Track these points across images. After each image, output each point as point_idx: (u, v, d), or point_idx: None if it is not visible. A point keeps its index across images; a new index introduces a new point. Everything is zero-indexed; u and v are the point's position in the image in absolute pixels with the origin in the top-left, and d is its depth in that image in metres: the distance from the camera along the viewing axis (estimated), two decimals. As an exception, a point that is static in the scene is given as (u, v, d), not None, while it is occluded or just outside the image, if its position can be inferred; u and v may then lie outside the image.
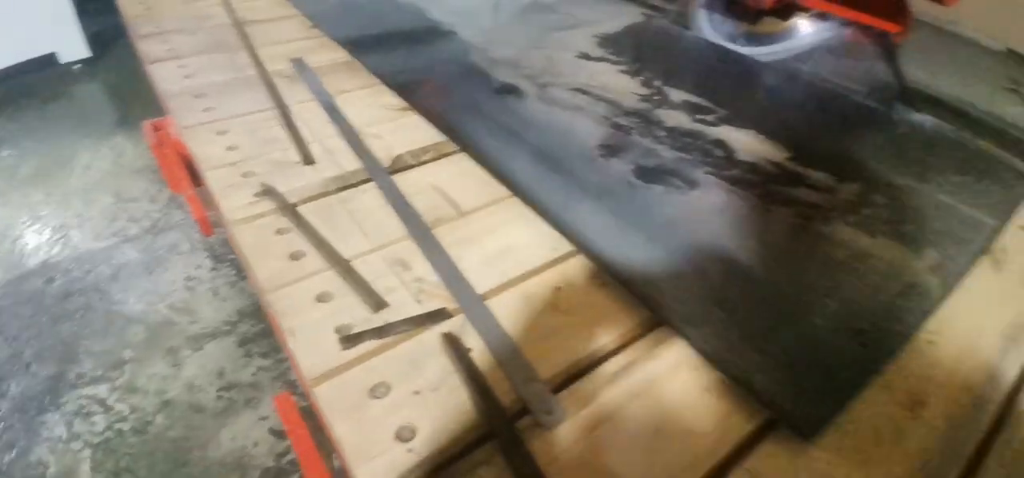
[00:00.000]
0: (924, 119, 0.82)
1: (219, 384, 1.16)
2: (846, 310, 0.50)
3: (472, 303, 0.51)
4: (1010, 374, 0.48)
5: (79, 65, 2.26)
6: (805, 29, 0.94)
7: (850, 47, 0.89)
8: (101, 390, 1.14)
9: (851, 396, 0.44)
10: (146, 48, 0.92)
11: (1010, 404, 0.46)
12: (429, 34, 1.01)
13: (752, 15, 0.96)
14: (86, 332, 1.26)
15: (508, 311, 0.50)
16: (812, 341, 0.48)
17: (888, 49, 0.86)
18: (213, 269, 1.42)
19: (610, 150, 0.71)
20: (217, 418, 1.10)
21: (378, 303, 0.50)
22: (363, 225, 0.59)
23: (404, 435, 0.40)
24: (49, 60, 2.20)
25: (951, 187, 0.68)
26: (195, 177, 0.75)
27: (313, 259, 0.54)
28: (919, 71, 0.96)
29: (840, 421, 0.43)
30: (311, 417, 0.48)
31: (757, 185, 0.66)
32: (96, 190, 1.71)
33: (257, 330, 1.27)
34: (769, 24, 0.96)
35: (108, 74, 2.28)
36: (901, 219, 0.62)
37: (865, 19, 0.86)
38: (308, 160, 0.68)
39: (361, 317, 0.49)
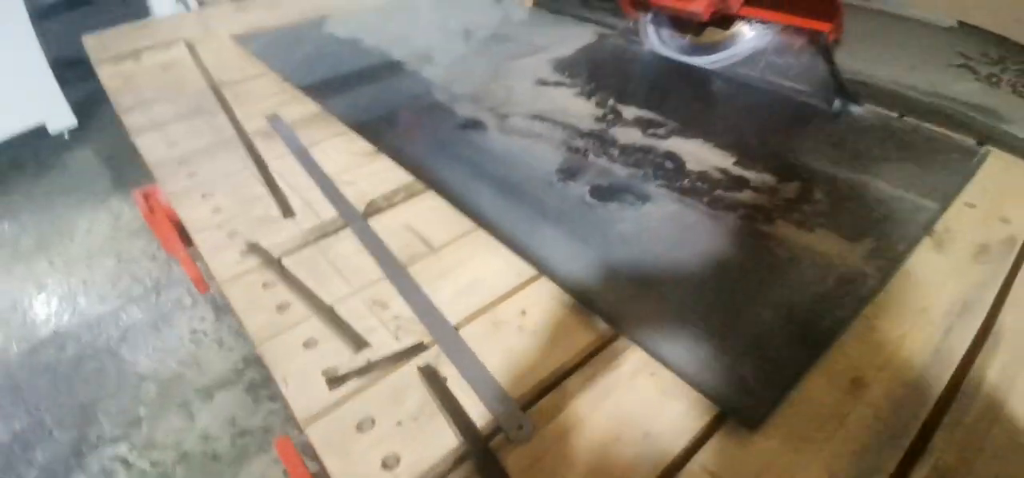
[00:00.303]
0: (865, 111, 0.87)
1: (232, 431, 1.19)
2: (788, 304, 0.54)
3: (446, 334, 0.54)
4: (956, 351, 0.52)
5: (69, 133, 2.30)
6: (747, 35, 0.98)
7: (790, 49, 0.94)
8: (121, 449, 1.17)
9: (792, 385, 0.48)
10: (130, 120, 0.95)
11: (958, 381, 0.49)
12: (395, 76, 1.05)
13: (696, 27, 1.00)
14: (102, 394, 1.30)
15: (479, 338, 0.54)
16: (757, 337, 0.51)
17: (825, 47, 0.90)
18: (216, 320, 1.45)
19: (568, 173, 0.75)
20: (233, 465, 1.13)
21: (360, 344, 0.53)
22: (342, 271, 0.62)
23: (389, 463, 0.44)
24: (39, 132, 2.23)
25: (891, 175, 0.72)
26: (186, 238, 0.79)
27: (298, 308, 0.57)
28: (864, 61, 1.01)
29: (785, 409, 0.47)
30: (310, 453, 0.51)
31: (705, 193, 0.70)
32: (98, 254, 1.75)
33: (263, 375, 1.31)
34: (712, 34, 1.01)
35: (97, 139, 2.31)
36: (840, 212, 0.66)
37: (796, 21, 0.90)
38: (288, 213, 0.71)
39: (345, 358, 0.52)
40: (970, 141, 0.80)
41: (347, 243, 0.66)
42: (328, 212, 0.71)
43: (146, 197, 0.93)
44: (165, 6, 1.67)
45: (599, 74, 1.02)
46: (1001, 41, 1.18)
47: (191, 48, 1.21)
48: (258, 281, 0.61)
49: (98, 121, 2.38)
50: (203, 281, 0.83)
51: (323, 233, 0.68)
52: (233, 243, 0.67)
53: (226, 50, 1.21)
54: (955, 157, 0.76)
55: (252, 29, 1.30)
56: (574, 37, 1.19)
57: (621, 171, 0.75)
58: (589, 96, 0.94)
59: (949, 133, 0.82)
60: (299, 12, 1.40)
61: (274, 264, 0.63)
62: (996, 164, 0.77)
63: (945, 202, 0.67)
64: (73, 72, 2.23)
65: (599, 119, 0.88)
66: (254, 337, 0.55)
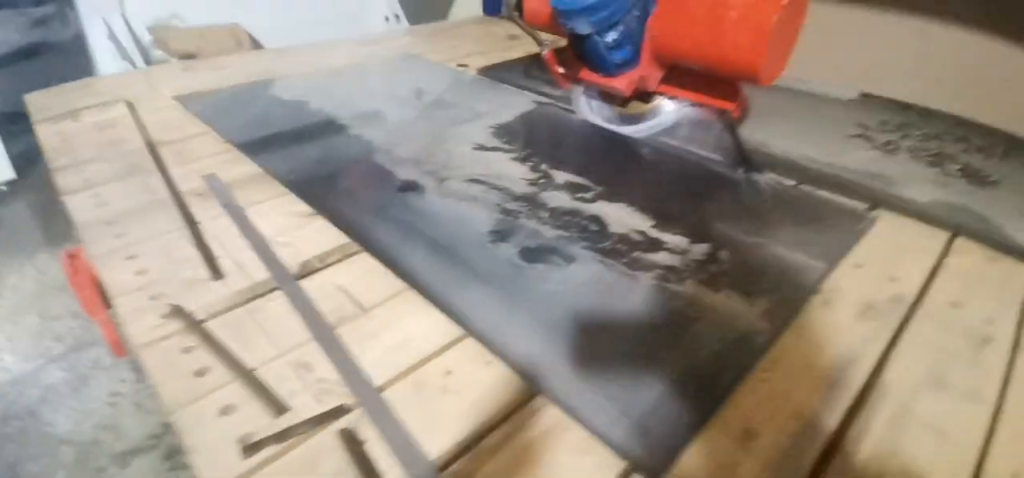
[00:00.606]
0: (767, 179, 0.94)
1: (147, 500, 1.13)
2: (691, 361, 0.58)
3: (369, 397, 0.55)
4: (842, 402, 0.55)
5: (6, 186, 2.21)
6: (668, 108, 1.06)
7: (705, 121, 1.02)
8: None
9: (691, 437, 0.50)
10: (62, 180, 0.93)
11: (843, 431, 0.53)
12: (338, 138, 1.07)
13: (621, 100, 1.07)
14: (25, 455, 1.24)
15: (403, 399, 0.55)
16: (663, 392, 0.54)
17: (730, 123, 0.98)
18: (136, 381, 1.40)
19: (499, 235, 0.78)
20: (146, 535, 1.07)
21: (280, 408, 0.53)
22: (270, 333, 0.62)
23: (302, 531, 0.43)
24: (-24, 184, 2.14)
25: (787, 238, 0.78)
26: (108, 301, 0.76)
27: (218, 373, 0.57)
28: (769, 133, 1.10)
29: (684, 461, 0.49)
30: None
31: (624, 254, 0.74)
32: (22, 311, 1.69)
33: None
34: (637, 106, 1.08)
35: (32, 193, 2.24)
36: (742, 273, 0.71)
37: (705, 100, 0.99)
38: (217, 275, 0.70)
39: (263, 424, 0.51)
40: (861, 206, 0.88)
41: (277, 305, 0.66)
42: (260, 274, 0.71)
43: (72, 257, 0.90)
44: (110, 64, 1.65)
45: (534, 140, 1.08)
46: (904, 108, 1.32)
47: (131, 107, 1.20)
48: (177, 346, 0.60)
49: (36, 175, 2.30)
50: (120, 345, 0.80)
51: (253, 294, 0.68)
52: (154, 307, 0.65)
53: (168, 110, 1.20)
54: (845, 221, 0.83)
55: (197, 90, 1.30)
56: (514, 105, 1.25)
57: (550, 233, 0.79)
58: (524, 161, 0.99)
59: (841, 199, 0.90)
60: (246, 74, 1.41)
61: (197, 328, 0.62)
62: (886, 227, 0.85)
63: (833, 263, 0.73)
64: (18, 125, 2.17)
65: (532, 183, 0.92)
66: (167, 404, 0.53)
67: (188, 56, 1.71)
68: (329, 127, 1.12)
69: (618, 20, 0.89)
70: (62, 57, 3.80)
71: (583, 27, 0.89)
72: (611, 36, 0.91)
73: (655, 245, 0.76)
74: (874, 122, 1.20)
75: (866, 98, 1.35)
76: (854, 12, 1.39)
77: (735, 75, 0.88)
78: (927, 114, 1.28)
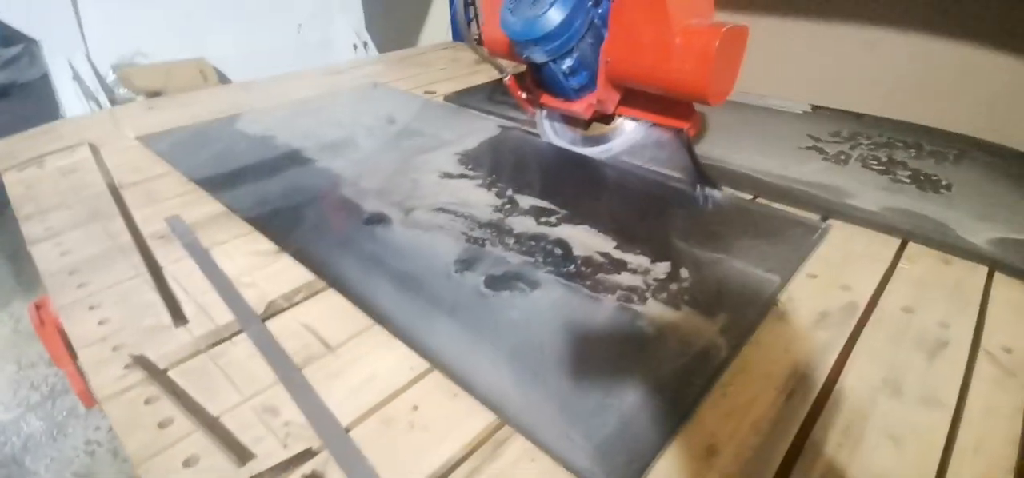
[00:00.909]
0: (725, 194, 0.96)
1: (124, 551, 1.10)
2: (654, 381, 0.58)
3: (336, 438, 0.54)
4: (799, 412, 0.56)
5: (-24, 235, 2.15)
6: (628, 128, 1.08)
7: (663, 140, 1.04)
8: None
9: (655, 458, 0.51)
10: (28, 230, 0.91)
11: (801, 441, 0.53)
12: (304, 173, 1.06)
13: (583, 122, 1.09)
14: None
15: (371, 438, 0.54)
16: (624, 414, 0.55)
17: (686, 141, 1.01)
18: (111, 430, 1.36)
19: (465, 264, 0.78)
20: None
21: (245, 456, 0.52)
22: (234, 378, 0.61)
23: None
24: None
25: (744, 253, 0.80)
26: (74, 352, 0.75)
27: (181, 424, 0.55)
28: (725, 149, 1.13)
29: (648, 481, 0.50)
30: None
31: (588, 277, 0.75)
32: (0, 359, 1.68)
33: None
34: (598, 128, 1.10)
35: (3, 237, 2.19)
36: (702, 290, 0.72)
37: (661, 120, 1.01)
38: (180, 320, 0.69)
39: (228, 474, 0.50)
40: (814, 217, 0.91)
41: (241, 348, 0.65)
42: (224, 317, 0.70)
43: (38, 308, 0.88)
44: (76, 105, 1.62)
45: (499, 165, 1.08)
46: (856, 118, 1.36)
47: (95, 150, 1.18)
48: (140, 397, 0.59)
49: (7, 218, 2.24)
50: (88, 396, 0.78)
51: (217, 339, 0.66)
52: (117, 358, 0.64)
53: (131, 151, 1.19)
54: (799, 232, 0.85)
55: (161, 128, 1.28)
56: (479, 130, 1.26)
57: (515, 259, 0.79)
58: (489, 187, 0.99)
59: (796, 211, 0.92)
60: (210, 110, 1.39)
61: (160, 376, 0.61)
62: (838, 236, 0.87)
63: (788, 275, 0.75)
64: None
65: (497, 209, 0.92)
66: (133, 457, 0.52)
67: (154, 93, 1.68)
68: (295, 161, 1.11)
69: (572, 48, 0.91)
70: (30, 97, 3.73)
71: (538, 56, 0.91)
72: (567, 63, 0.93)
73: (618, 266, 0.77)
74: (826, 133, 1.23)
75: (817, 110, 1.39)
76: (804, 26, 1.43)
77: (685, 96, 0.91)
78: (878, 123, 1.32)
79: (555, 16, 0.89)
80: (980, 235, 0.85)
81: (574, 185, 1.01)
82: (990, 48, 1.22)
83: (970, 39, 1.23)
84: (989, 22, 1.20)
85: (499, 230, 0.86)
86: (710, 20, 0.90)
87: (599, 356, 0.62)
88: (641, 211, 0.92)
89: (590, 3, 0.93)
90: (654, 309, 0.69)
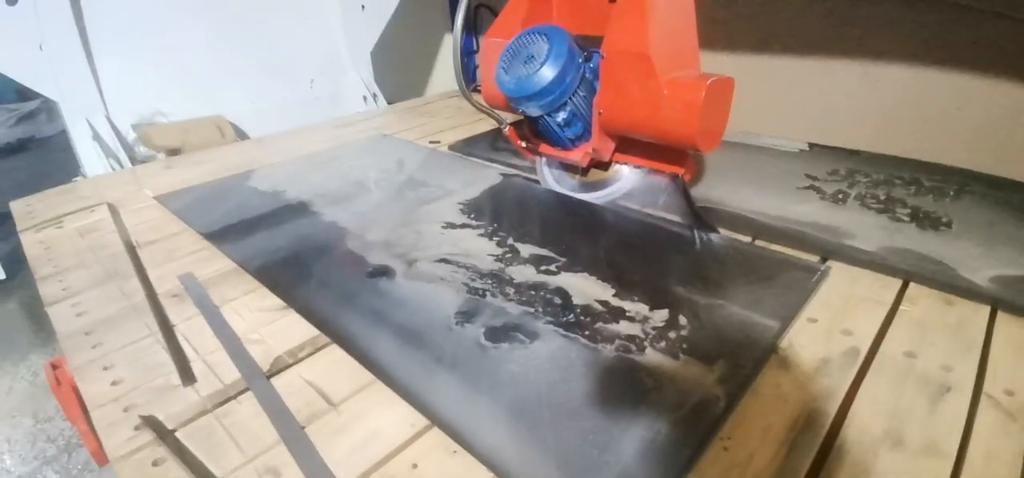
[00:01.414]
0: (721, 238, 0.96)
1: None
2: (651, 434, 0.58)
3: (335, 499, 0.54)
4: (800, 468, 0.55)
5: (-5, 289, 2.21)
6: (625, 173, 1.09)
7: (660, 185, 1.05)
8: None
9: (652, 517, 0.50)
10: (45, 290, 0.93)
11: None
12: (312, 227, 1.08)
13: (581, 169, 1.11)
14: None
15: (368, 499, 0.54)
16: (622, 471, 0.54)
17: (682, 186, 1.01)
18: None
19: (466, 316, 0.79)
20: None
21: (245, 520, 0.52)
22: (238, 439, 0.61)
23: None
24: (-34, 287, 2.14)
25: (743, 298, 0.80)
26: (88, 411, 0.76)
27: (185, 487, 0.56)
28: (722, 191, 1.13)
29: (648, 541, 0.49)
30: None
31: (587, 326, 0.75)
32: (18, 413, 1.71)
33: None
34: (596, 173, 1.11)
35: (22, 292, 2.25)
36: (701, 337, 0.72)
37: (656, 165, 1.02)
38: (189, 380, 0.70)
39: (228, 538, 0.51)
40: (813, 259, 0.90)
41: (246, 407, 0.66)
42: (231, 375, 0.71)
43: (54, 368, 0.90)
44: (95, 163, 1.67)
45: (501, 214, 1.10)
46: (852, 155, 1.36)
47: (114, 210, 1.22)
48: (149, 458, 0.59)
49: (26, 273, 2.30)
50: (101, 455, 0.79)
51: (223, 398, 0.67)
52: (128, 418, 0.65)
53: (149, 210, 1.22)
54: (799, 275, 0.85)
55: (178, 186, 1.32)
56: (482, 179, 1.28)
57: (515, 310, 0.80)
58: (491, 236, 1.01)
59: (795, 253, 0.92)
60: (226, 167, 1.44)
61: (168, 437, 0.62)
62: (839, 278, 0.86)
63: (788, 320, 0.74)
64: (6, 225, 2.18)
65: (498, 258, 0.93)
66: (138, 523, 0.53)
67: (173, 151, 1.74)
68: (304, 215, 1.14)
69: (565, 102, 0.93)
70: (49, 152, 3.83)
71: (533, 110, 0.93)
72: (561, 115, 0.95)
73: (617, 314, 0.77)
74: (823, 172, 1.23)
75: (813, 148, 1.39)
76: (799, 63, 1.45)
77: (676, 145, 0.92)
78: (875, 159, 1.31)
79: (547, 73, 0.92)
80: (982, 273, 0.84)
81: (574, 232, 1.02)
82: (986, 76, 1.21)
83: (964, 68, 1.22)
84: (983, 49, 1.19)
85: (499, 280, 0.87)
86: (696, 71, 0.92)
87: (597, 409, 0.62)
88: (640, 257, 0.92)
89: (581, 59, 0.96)
90: (653, 358, 0.69)
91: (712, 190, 1.14)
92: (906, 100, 1.32)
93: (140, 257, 1.02)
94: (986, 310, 0.78)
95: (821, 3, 1.38)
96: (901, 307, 0.80)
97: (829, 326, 0.76)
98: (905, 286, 0.84)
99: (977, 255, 0.89)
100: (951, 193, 1.11)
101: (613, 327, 0.75)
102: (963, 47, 1.21)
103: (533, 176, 1.24)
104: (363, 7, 2.30)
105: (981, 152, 1.24)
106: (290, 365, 0.73)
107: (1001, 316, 0.77)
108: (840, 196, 1.11)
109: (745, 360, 0.68)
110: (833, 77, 1.41)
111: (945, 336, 0.74)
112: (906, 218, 1.01)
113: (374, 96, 2.31)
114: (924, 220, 1.00)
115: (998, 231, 0.96)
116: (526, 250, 0.95)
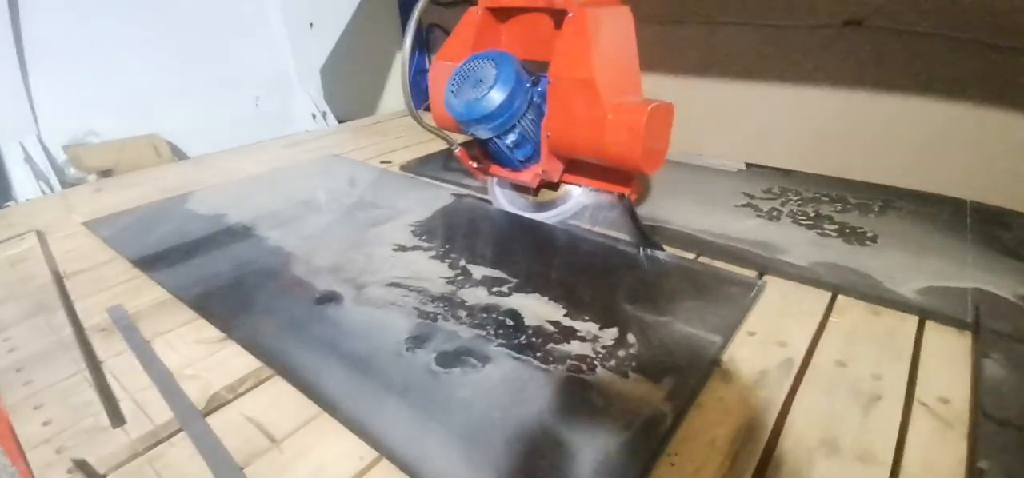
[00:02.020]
0: (666, 255, 0.98)
1: None
2: (603, 454, 0.58)
3: (277, 542, 0.51)
4: (743, 477, 0.57)
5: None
6: (575, 193, 1.11)
7: (608, 204, 1.07)
8: None
9: (602, 541, 0.50)
10: (-21, 326, 0.85)
11: None
12: (256, 251, 1.04)
13: (533, 188, 1.11)
14: None
15: (313, 540, 0.51)
16: (575, 495, 0.54)
17: (628, 205, 1.04)
18: None
19: (417, 340, 0.77)
20: None
21: (178, 572, 0.49)
22: (171, 483, 0.58)
23: None
24: None
25: (688, 313, 0.81)
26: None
27: (112, 540, 0.52)
28: (667, 210, 1.16)
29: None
30: None
31: (539, 348, 0.75)
32: None
33: None
34: (546, 194, 1.12)
35: None
36: (648, 355, 0.73)
37: (604, 185, 1.04)
38: (118, 421, 0.65)
39: None
40: (751, 274, 0.94)
41: (179, 449, 0.62)
42: (163, 414, 0.66)
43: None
44: (27, 187, 1.56)
45: (453, 235, 1.08)
46: (786, 174, 1.42)
47: (41, 238, 1.13)
48: (74, 509, 0.55)
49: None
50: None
51: (155, 440, 0.63)
52: (60, 461, 0.60)
53: (78, 236, 1.14)
54: (737, 291, 0.87)
55: (110, 211, 1.24)
56: (434, 199, 1.27)
57: (466, 333, 0.78)
58: (442, 258, 0.99)
59: (735, 269, 0.95)
60: (161, 190, 1.36)
61: (96, 485, 0.57)
62: (774, 292, 0.90)
63: (729, 334, 0.77)
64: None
65: (450, 281, 0.92)
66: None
67: (105, 172, 1.63)
68: (247, 239, 1.09)
69: (513, 124, 0.94)
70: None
71: (483, 133, 0.93)
72: (510, 138, 0.95)
73: (568, 334, 0.77)
74: (759, 190, 1.28)
75: (750, 168, 1.45)
76: (738, 86, 1.51)
77: (621, 166, 0.94)
78: (806, 178, 1.38)
79: (496, 97, 0.92)
80: (908, 285, 0.88)
81: (525, 252, 1.02)
82: (919, 97, 1.26)
83: (897, 90, 1.28)
84: (916, 71, 1.24)
85: (451, 303, 0.86)
86: (639, 96, 0.94)
87: (549, 432, 0.61)
88: (590, 276, 0.93)
89: (528, 83, 0.97)
90: (603, 377, 0.69)
91: (658, 209, 1.17)
92: (837, 121, 1.38)
93: (67, 288, 0.95)
94: (914, 320, 0.82)
95: (758, 29, 1.45)
96: (831, 318, 0.83)
97: (766, 338, 0.78)
98: (834, 298, 0.88)
99: (903, 267, 0.93)
100: (876, 209, 1.18)
101: (564, 347, 0.75)
102: (896, 69, 1.27)
103: (485, 196, 1.24)
104: (311, 24, 2.25)
105: (909, 171, 1.30)
106: (229, 401, 0.69)
107: (930, 325, 0.81)
108: (774, 213, 1.16)
109: (690, 375, 0.69)
110: (769, 100, 1.47)
111: (874, 346, 0.77)
112: (833, 233, 1.07)
113: (323, 114, 2.25)
114: (850, 235, 1.06)
115: (923, 245, 1.01)
116: (478, 272, 0.94)
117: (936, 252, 0.99)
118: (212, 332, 0.81)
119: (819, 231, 1.08)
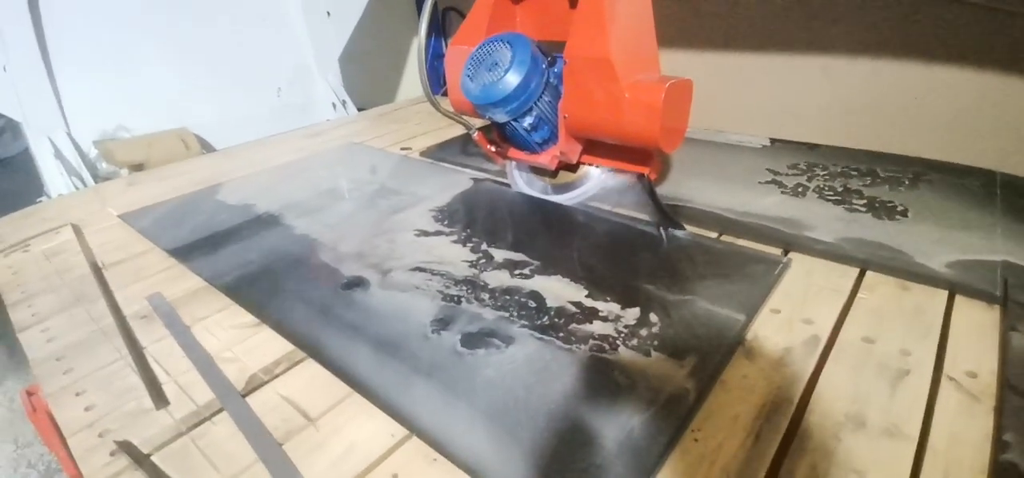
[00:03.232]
0: (688, 234, 0.99)
1: None
2: (626, 431, 0.59)
3: (315, 514, 0.54)
4: (766, 454, 0.57)
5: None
6: (594, 174, 1.11)
7: (628, 185, 1.07)
8: None
9: (627, 512, 0.51)
10: (15, 317, 0.90)
11: None
12: (285, 240, 1.07)
13: (552, 170, 1.12)
14: None
15: (349, 513, 0.54)
16: (600, 467, 0.55)
17: (648, 185, 1.04)
18: None
19: (442, 323, 0.79)
20: None
21: (225, 542, 0.52)
22: (214, 460, 0.61)
23: None
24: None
25: (711, 292, 0.82)
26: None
27: (162, 512, 0.55)
28: (689, 188, 1.16)
29: (624, 536, 0.50)
30: None
31: (561, 328, 0.76)
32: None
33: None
34: (565, 175, 1.13)
35: None
36: (671, 333, 0.74)
37: (623, 165, 1.04)
38: (161, 403, 0.69)
39: (208, 561, 0.50)
40: (776, 251, 0.93)
41: (221, 427, 0.65)
42: (204, 395, 0.70)
43: (30, 395, 0.88)
44: (58, 182, 1.62)
45: (474, 219, 1.10)
46: (812, 149, 1.40)
47: (78, 231, 1.18)
48: (123, 485, 0.58)
49: (-1, 301, 2.24)
50: (82, 479, 0.77)
51: (198, 419, 0.66)
52: (103, 444, 0.64)
53: (113, 229, 1.19)
54: (762, 268, 0.87)
55: (143, 203, 1.29)
56: (454, 184, 1.29)
57: (490, 315, 0.80)
58: (464, 242, 1.01)
59: (758, 247, 0.95)
60: (192, 182, 1.41)
61: (144, 462, 0.61)
62: (799, 269, 0.89)
63: (752, 312, 0.77)
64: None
65: (472, 264, 0.94)
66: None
67: (136, 166, 1.69)
68: (275, 228, 1.12)
69: (530, 106, 0.94)
70: (14, 172, 3.72)
71: (500, 116, 0.94)
72: (527, 121, 0.96)
73: (590, 315, 0.79)
74: (784, 166, 1.27)
75: (775, 143, 1.43)
76: (761, 60, 1.48)
77: (639, 145, 0.94)
78: (833, 152, 1.36)
79: (512, 80, 0.93)
80: (938, 258, 0.87)
81: (546, 234, 1.04)
82: (947, 67, 1.22)
83: (924, 60, 1.24)
84: (943, 40, 1.21)
85: (474, 286, 0.88)
86: (656, 73, 0.94)
87: (572, 410, 0.63)
88: (611, 257, 0.94)
89: (544, 64, 0.97)
90: (625, 356, 0.70)
91: (679, 187, 1.17)
92: (865, 93, 1.35)
93: (106, 278, 0.99)
94: (943, 295, 0.81)
95: (781, 0, 1.42)
96: (859, 295, 0.83)
97: (791, 316, 0.78)
98: (862, 274, 0.87)
99: (933, 241, 0.92)
100: (906, 182, 1.15)
101: (587, 327, 0.76)
102: (923, 39, 1.23)
103: (504, 180, 1.25)
104: (329, 14, 2.27)
105: (942, 143, 1.27)
106: (266, 382, 0.72)
107: (959, 299, 0.80)
108: (800, 189, 1.15)
109: (713, 353, 0.70)
110: (793, 73, 1.44)
111: (902, 321, 0.76)
112: (862, 208, 1.05)
113: (343, 103, 2.28)
114: (880, 209, 1.04)
115: (954, 218, 1.00)
116: (499, 255, 0.96)
117: (966, 225, 0.97)
118: (246, 317, 0.85)
119: (847, 206, 1.06)
